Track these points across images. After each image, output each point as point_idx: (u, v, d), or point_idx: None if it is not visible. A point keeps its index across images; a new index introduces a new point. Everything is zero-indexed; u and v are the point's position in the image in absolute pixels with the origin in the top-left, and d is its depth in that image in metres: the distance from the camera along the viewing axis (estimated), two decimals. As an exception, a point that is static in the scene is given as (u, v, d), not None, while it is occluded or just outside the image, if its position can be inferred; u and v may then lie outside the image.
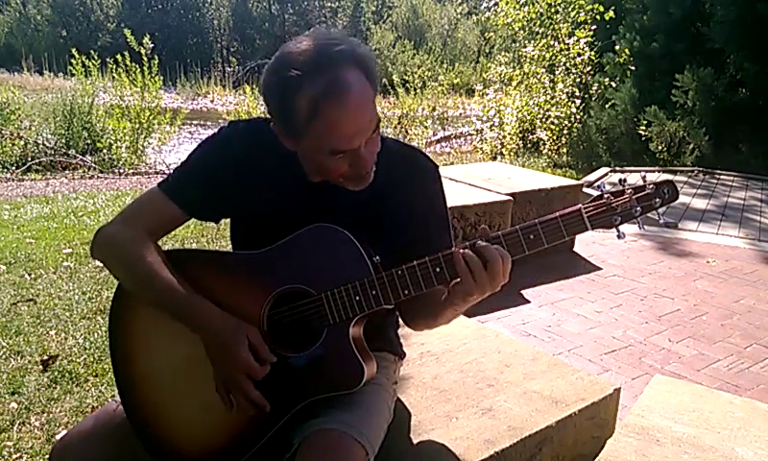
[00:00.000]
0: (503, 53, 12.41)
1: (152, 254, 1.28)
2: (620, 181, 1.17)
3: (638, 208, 1.14)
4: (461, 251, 1.16)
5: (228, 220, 1.43)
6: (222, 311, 1.23)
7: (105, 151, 8.57)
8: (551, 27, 9.98)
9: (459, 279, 1.16)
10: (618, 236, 1.16)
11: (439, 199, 1.38)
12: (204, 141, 1.36)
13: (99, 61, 9.35)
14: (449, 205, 1.42)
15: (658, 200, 1.14)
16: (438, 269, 1.18)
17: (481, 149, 10.50)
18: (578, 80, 9.77)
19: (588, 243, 4.57)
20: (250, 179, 1.31)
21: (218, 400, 1.25)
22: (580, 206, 1.15)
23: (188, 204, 1.32)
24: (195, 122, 13.24)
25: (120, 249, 1.30)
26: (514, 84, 10.41)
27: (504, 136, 10.12)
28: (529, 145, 10.12)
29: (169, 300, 1.25)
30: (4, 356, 2.68)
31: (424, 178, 1.37)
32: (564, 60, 9.80)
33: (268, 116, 1.27)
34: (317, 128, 1.13)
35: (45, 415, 2.27)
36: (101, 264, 3.42)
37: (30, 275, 3.66)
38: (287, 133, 1.20)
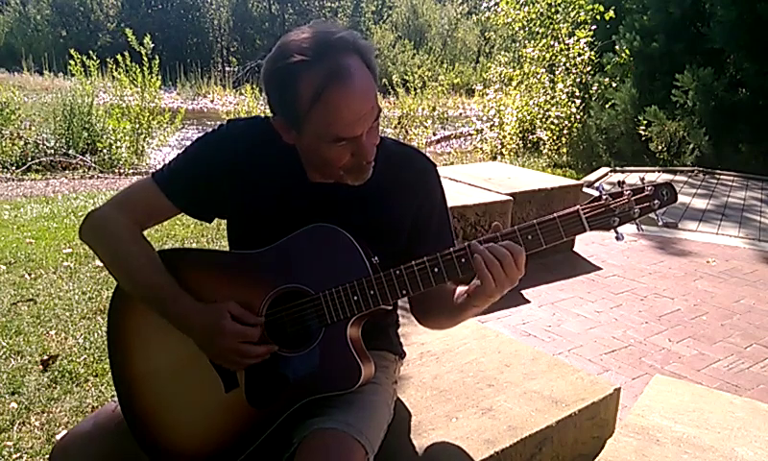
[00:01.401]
0: (503, 53, 12.40)
1: (139, 244, 1.30)
2: (619, 182, 1.17)
3: (637, 210, 1.15)
4: (480, 249, 1.15)
5: (228, 219, 1.43)
6: (198, 303, 1.24)
7: (105, 151, 8.57)
8: (551, 27, 9.98)
9: (478, 282, 1.16)
10: (617, 238, 1.16)
11: (439, 197, 1.39)
12: (201, 137, 1.35)
13: (99, 62, 9.34)
14: (449, 205, 1.42)
15: (656, 201, 1.14)
16: (436, 270, 1.18)
17: (481, 149, 10.49)
18: (578, 80, 9.76)
19: (588, 243, 4.57)
20: (246, 178, 1.31)
21: (215, 399, 1.25)
22: (578, 207, 1.15)
23: (180, 199, 1.32)
24: (195, 122, 13.24)
25: (110, 234, 1.31)
26: (514, 84, 10.41)
27: (504, 136, 10.12)
28: (529, 145, 10.11)
29: (152, 291, 1.26)
30: (4, 356, 2.68)
31: (423, 176, 1.37)
32: (564, 60, 9.79)
33: (267, 114, 1.27)
34: (319, 113, 1.13)
35: (45, 415, 2.27)
36: (101, 264, 3.41)
37: (30, 275, 3.66)
38: (289, 123, 1.19)
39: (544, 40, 9.99)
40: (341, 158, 1.19)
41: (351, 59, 1.13)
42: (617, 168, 8.44)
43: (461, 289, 1.27)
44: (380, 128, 1.25)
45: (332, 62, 1.11)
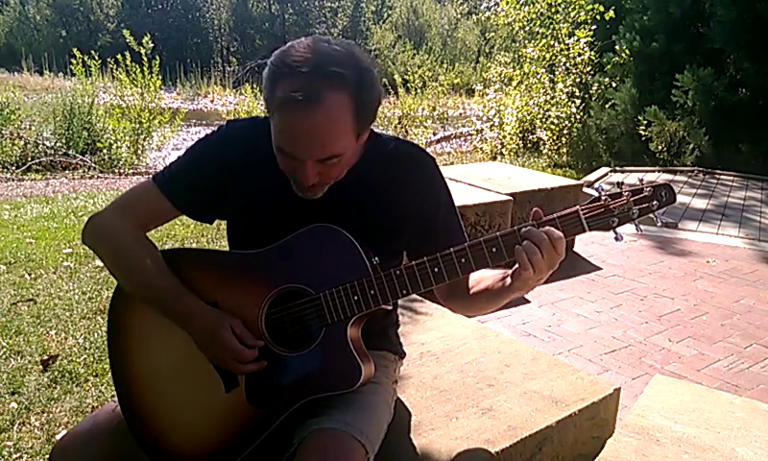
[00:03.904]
0: (503, 53, 12.40)
1: (141, 245, 1.30)
2: (618, 183, 1.17)
3: (636, 211, 1.15)
4: (524, 233, 1.15)
5: (228, 220, 1.43)
6: (204, 304, 1.25)
7: (105, 151, 8.57)
8: (551, 27, 9.97)
9: (518, 267, 1.16)
10: (616, 238, 1.16)
11: (442, 192, 1.38)
12: (201, 139, 1.36)
13: (99, 62, 9.35)
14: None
15: (655, 202, 1.14)
16: (436, 269, 1.18)
17: (481, 149, 10.49)
18: (578, 80, 9.76)
19: (587, 243, 4.57)
20: (246, 178, 1.31)
21: (215, 399, 1.25)
22: (578, 207, 1.16)
23: (180, 200, 1.33)
24: (195, 122, 13.24)
25: (111, 237, 1.32)
26: (514, 84, 10.41)
27: (504, 136, 10.11)
28: (529, 145, 10.11)
29: (154, 291, 1.27)
30: (4, 356, 2.68)
31: (423, 173, 1.37)
32: (564, 60, 9.79)
33: (267, 115, 1.27)
34: (274, 120, 1.15)
35: (45, 415, 2.28)
36: (101, 264, 3.41)
37: (30, 275, 3.66)
38: (267, 111, 1.20)
39: (544, 40, 9.98)
40: (283, 167, 1.20)
41: (335, 97, 1.10)
42: (617, 168, 8.44)
43: (498, 273, 1.26)
44: (380, 128, 1.25)
45: (311, 88, 1.09)
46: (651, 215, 1.16)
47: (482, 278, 1.29)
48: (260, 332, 1.25)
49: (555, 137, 9.58)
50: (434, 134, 11.96)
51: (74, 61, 8.93)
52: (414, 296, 1.24)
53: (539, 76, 9.93)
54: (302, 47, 1.13)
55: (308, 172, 1.17)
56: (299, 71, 1.10)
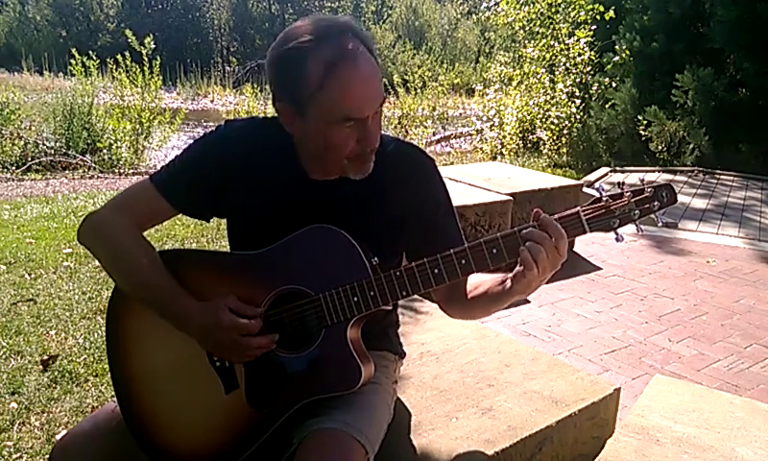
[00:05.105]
0: (503, 53, 12.39)
1: (139, 245, 1.30)
2: (619, 183, 1.17)
3: (637, 212, 1.15)
4: (525, 234, 1.15)
5: (228, 219, 1.42)
6: (199, 302, 1.24)
7: (105, 151, 8.56)
8: (551, 27, 9.97)
9: (520, 268, 1.15)
10: (617, 239, 1.16)
11: (441, 191, 1.38)
12: (199, 138, 1.35)
13: (99, 62, 9.34)
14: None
15: (656, 203, 1.14)
16: (436, 271, 1.18)
17: (481, 149, 10.49)
18: (578, 80, 9.76)
19: (588, 243, 4.57)
20: (246, 179, 1.31)
21: (214, 400, 1.25)
22: (578, 208, 1.15)
23: (178, 200, 1.32)
24: (195, 122, 13.24)
25: (110, 236, 1.31)
26: (514, 84, 10.40)
27: (504, 136, 10.11)
28: (529, 145, 10.11)
29: (151, 291, 1.26)
30: (4, 356, 2.68)
31: (423, 175, 1.37)
32: (564, 60, 9.78)
33: (266, 115, 1.27)
34: (329, 92, 1.14)
35: (45, 415, 2.28)
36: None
37: (30, 275, 3.66)
38: (294, 106, 1.18)
39: (544, 40, 9.98)
40: (346, 144, 1.19)
41: (356, 42, 1.15)
42: (617, 168, 8.44)
43: (497, 276, 1.25)
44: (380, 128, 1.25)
45: (341, 42, 1.13)
46: (651, 215, 1.15)
47: (481, 281, 1.29)
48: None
49: (555, 137, 9.58)
50: (434, 134, 11.96)
51: (74, 62, 8.92)
52: (414, 296, 1.24)
53: (539, 76, 9.93)
54: (300, 29, 1.16)
55: (372, 129, 1.19)
56: (316, 39, 1.13)
